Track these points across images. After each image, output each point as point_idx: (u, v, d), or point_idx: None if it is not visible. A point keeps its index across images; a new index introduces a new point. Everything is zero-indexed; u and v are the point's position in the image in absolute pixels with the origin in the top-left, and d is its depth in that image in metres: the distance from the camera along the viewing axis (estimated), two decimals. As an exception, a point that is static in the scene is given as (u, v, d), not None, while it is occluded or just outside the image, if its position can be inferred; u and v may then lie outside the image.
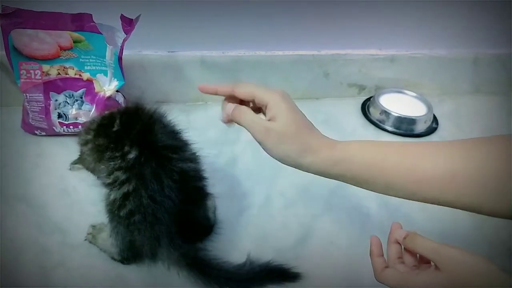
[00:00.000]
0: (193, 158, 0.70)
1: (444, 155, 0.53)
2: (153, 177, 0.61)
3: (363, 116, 1.16)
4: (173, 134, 0.70)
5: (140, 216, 0.61)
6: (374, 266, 0.54)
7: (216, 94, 0.62)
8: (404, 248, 0.53)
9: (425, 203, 0.56)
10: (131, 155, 0.61)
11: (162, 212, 0.61)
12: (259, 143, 0.57)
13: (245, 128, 0.58)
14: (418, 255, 0.52)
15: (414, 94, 1.18)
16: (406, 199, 0.57)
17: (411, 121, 1.10)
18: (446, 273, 0.47)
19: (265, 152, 0.58)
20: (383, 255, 0.55)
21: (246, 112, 0.58)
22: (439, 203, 0.55)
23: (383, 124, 1.12)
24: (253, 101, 0.59)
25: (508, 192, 0.48)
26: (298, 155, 0.56)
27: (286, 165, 0.58)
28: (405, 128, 1.10)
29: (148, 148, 0.62)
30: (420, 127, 1.12)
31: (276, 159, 0.57)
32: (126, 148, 0.62)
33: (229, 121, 0.60)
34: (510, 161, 0.48)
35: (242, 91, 0.59)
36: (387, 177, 0.55)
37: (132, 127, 0.64)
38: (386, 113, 1.11)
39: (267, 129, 0.55)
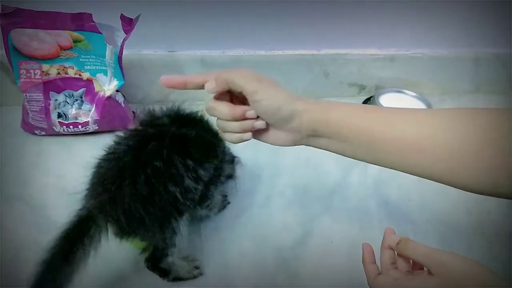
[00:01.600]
0: None
1: (427, 124, 0.53)
2: None
3: (363, 115, 1.16)
4: None
5: None
6: (367, 273, 0.54)
7: (185, 88, 0.61)
8: (397, 254, 0.53)
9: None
10: None
11: None
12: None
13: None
14: (411, 260, 0.52)
15: (414, 94, 1.18)
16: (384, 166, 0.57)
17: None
18: (439, 278, 0.47)
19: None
20: (375, 262, 0.55)
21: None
22: (414, 173, 0.55)
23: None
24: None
25: (480, 168, 0.49)
26: (290, 119, 0.58)
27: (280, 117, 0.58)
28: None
29: None
30: (420, 127, 1.11)
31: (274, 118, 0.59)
32: None
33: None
34: (487, 136, 0.48)
35: (219, 82, 0.58)
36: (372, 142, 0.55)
37: None
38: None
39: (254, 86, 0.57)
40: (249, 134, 0.60)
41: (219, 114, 0.60)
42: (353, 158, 0.59)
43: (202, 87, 0.60)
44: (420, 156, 0.52)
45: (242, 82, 0.56)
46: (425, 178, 0.55)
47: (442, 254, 0.48)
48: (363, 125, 0.55)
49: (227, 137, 0.62)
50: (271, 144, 0.62)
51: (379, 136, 0.54)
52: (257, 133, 0.61)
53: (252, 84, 0.56)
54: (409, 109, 0.57)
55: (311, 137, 0.59)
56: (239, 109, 0.59)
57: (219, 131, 0.63)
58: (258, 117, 0.59)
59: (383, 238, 0.55)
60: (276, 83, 0.59)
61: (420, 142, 0.52)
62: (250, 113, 0.58)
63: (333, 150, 0.60)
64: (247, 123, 0.59)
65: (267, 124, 0.60)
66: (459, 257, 0.47)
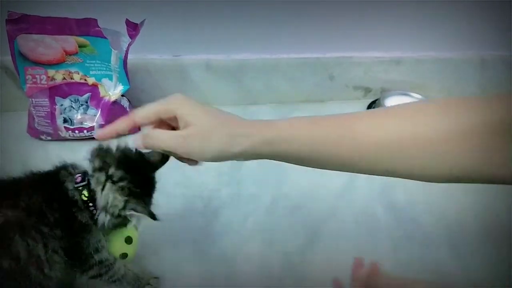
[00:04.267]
0: None
1: (392, 123, 0.50)
2: None
3: (368, 118, 1.15)
4: None
5: None
6: None
7: (117, 136, 0.54)
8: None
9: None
10: None
11: None
12: (188, 156, 0.51)
13: (166, 152, 0.53)
14: None
15: (420, 97, 1.17)
16: (352, 172, 0.54)
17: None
18: None
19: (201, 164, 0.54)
20: None
21: (157, 135, 0.52)
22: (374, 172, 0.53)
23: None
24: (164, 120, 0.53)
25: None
26: (230, 146, 0.50)
27: (223, 161, 0.52)
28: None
29: None
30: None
31: (210, 160, 0.51)
32: None
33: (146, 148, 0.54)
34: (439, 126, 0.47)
35: (143, 116, 0.53)
36: (331, 151, 0.50)
37: None
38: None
39: (186, 136, 0.50)
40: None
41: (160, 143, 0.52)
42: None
43: (133, 129, 0.55)
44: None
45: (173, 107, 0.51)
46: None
47: (410, 284, 0.49)
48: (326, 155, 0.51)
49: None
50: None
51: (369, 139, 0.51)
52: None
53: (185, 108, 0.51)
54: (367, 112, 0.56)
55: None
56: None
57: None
58: None
59: (352, 270, 0.53)
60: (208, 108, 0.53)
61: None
62: None
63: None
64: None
65: None
66: (424, 283, 0.48)
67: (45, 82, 0.90)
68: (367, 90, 1.21)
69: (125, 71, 0.93)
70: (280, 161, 0.53)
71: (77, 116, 0.94)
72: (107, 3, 0.89)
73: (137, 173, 0.59)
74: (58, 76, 0.90)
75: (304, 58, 1.10)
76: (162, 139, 0.51)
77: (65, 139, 0.96)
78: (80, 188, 0.58)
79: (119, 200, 0.57)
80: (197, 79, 1.07)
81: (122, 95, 0.96)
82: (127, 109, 0.98)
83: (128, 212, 0.57)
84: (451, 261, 0.79)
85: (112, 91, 0.94)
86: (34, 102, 0.91)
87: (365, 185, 0.93)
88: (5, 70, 0.95)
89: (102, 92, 0.94)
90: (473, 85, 1.25)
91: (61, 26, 0.85)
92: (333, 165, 0.52)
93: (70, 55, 0.89)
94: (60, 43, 0.87)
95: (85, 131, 0.95)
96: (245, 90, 1.12)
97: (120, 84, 0.94)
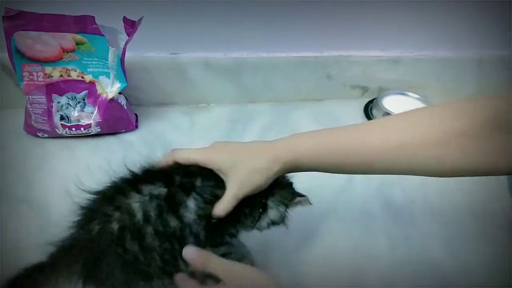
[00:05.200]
0: None
1: (393, 129, 0.58)
2: None
3: (366, 118, 1.16)
4: None
5: None
6: None
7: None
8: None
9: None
10: None
11: None
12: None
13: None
14: None
15: (418, 96, 1.17)
16: (363, 174, 0.62)
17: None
18: (230, 286, 0.51)
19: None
20: None
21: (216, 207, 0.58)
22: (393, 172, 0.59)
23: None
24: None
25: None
26: (265, 183, 0.59)
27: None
28: (408, 130, 1.10)
29: None
30: (424, 129, 1.11)
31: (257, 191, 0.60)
32: None
33: None
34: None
35: (184, 158, 0.60)
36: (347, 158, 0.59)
37: None
38: (389, 115, 1.11)
39: (234, 195, 0.58)
40: None
41: None
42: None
43: None
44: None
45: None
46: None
47: (233, 264, 0.53)
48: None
49: None
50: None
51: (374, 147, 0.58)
52: None
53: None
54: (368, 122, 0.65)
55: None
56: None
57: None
58: None
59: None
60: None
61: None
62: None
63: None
64: None
65: None
66: (248, 267, 0.53)
67: (42, 79, 0.89)
68: (365, 89, 1.21)
69: (123, 69, 0.93)
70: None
71: (74, 114, 0.94)
72: (104, 1, 0.89)
73: None
74: (55, 73, 0.90)
75: (302, 57, 1.10)
76: (221, 207, 0.58)
77: (62, 137, 0.96)
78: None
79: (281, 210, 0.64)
80: (195, 77, 1.07)
81: (120, 93, 0.96)
82: (125, 106, 0.98)
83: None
84: (448, 261, 0.79)
85: (110, 88, 0.94)
86: (31, 99, 0.91)
87: (363, 184, 0.92)
88: (2, 67, 0.95)
89: (99, 89, 0.93)
90: (471, 84, 1.25)
91: (58, 23, 0.85)
92: (354, 172, 0.62)
93: (67, 52, 0.89)
94: (57, 40, 0.87)
95: (82, 129, 0.95)
96: (243, 88, 1.12)
97: (118, 81, 0.94)
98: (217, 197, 0.59)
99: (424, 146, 0.55)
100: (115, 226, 0.54)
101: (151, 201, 0.55)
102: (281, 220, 0.65)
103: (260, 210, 0.63)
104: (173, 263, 0.57)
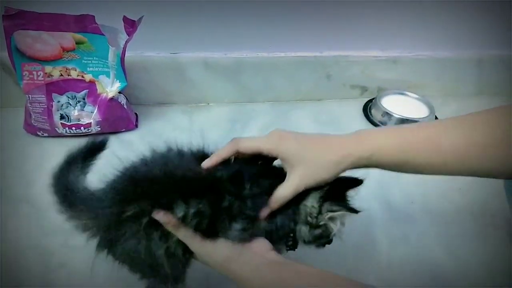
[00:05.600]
0: None
1: (461, 130, 0.56)
2: None
3: (365, 117, 1.16)
4: None
5: None
6: None
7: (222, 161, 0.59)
8: None
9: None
10: None
11: None
12: None
13: None
14: None
15: (416, 96, 1.17)
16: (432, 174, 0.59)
17: (413, 123, 1.10)
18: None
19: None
20: None
21: (276, 194, 0.56)
22: (462, 174, 0.57)
23: (385, 125, 1.11)
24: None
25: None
26: (334, 173, 0.56)
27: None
28: (407, 130, 1.10)
29: None
30: (423, 129, 1.11)
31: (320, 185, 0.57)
32: None
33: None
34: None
35: (246, 147, 0.58)
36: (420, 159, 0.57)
37: None
38: (388, 114, 1.11)
39: (299, 183, 0.55)
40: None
41: None
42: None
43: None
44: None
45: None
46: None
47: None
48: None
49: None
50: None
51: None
52: None
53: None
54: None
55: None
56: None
57: None
58: None
59: None
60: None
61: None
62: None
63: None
64: None
65: None
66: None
67: (42, 79, 0.89)
68: (364, 89, 1.21)
69: (123, 68, 0.93)
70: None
71: (74, 113, 0.94)
72: (104, 0, 0.89)
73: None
74: (55, 72, 0.90)
75: (301, 57, 1.10)
76: (281, 194, 0.55)
77: (62, 136, 0.96)
78: None
79: (314, 207, 0.58)
80: (194, 76, 1.07)
81: (120, 92, 0.96)
82: (124, 106, 0.98)
83: (326, 217, 0.58)
84: (447, 261, 0.79)
85: (110, 88, 0.94)
86: (30, 98, 0.91)
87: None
88: (2, 66, 0.95)
89: (99, 89, 0.93)
90: (470, 84, 1.26)
91: (58, 23, 0.85)
92: (420, 172, 0.58)
93: (67, 51, 0.89)
94: (57, 39, 0.87)
95: (82, 128, 0.95)
96: (243, 88, 1.12)
97: (118, 81, 0.94)
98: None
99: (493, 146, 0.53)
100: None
101: (194, 217, 0.52)
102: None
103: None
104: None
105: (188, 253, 0.55)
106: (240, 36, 1.04)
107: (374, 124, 1.13)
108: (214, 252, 0.53)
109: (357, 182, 0.61)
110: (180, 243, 0.53)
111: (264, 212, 0.56)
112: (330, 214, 0.58)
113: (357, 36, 1.10)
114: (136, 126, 1.03)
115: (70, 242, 0.74)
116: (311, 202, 0.58)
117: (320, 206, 0.58)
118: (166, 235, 0.53)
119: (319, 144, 0.57)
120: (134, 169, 0.56)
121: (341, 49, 1.12)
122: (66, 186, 0.58)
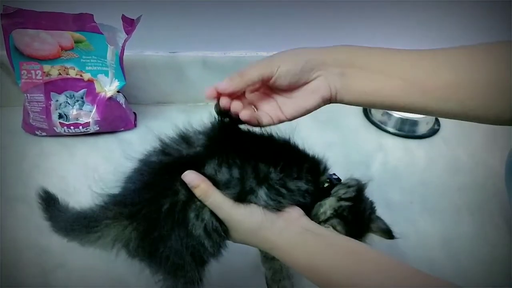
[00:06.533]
0: None
1: (448, 66, 0.57)
2: None
3: (364, 117, 1.16)
4: None
5: None
6: None
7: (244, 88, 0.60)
8: None
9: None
10: None
11: None
12: None
13: None
14: None
15: (416, 96, 1.17)
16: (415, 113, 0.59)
17: (413, 122, 1.10)
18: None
19: None
20: None
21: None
22: (443, 114, 0.58)
23: (385, 125, 1.11)
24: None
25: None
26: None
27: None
28: (407, 129, 1.10)
29: None
30: (422, 129, 1.11)
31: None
32: None
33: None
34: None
35: (253, 77, 0.59)
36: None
37: None
38: (387, 114, 1.11)
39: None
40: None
41: None
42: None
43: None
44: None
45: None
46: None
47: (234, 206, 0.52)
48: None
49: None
50: (297, 114, 0.62)
51: None
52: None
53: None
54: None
55: (342, 78, 0.61)
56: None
57: None
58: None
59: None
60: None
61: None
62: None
63: (370, 91, 0.62)
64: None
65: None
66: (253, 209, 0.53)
67: (41, 78, 0.89)
68: (364, 89, 1.21)
69: (121, 67, 0.92)
70: (359, 91, 0.63)
71: (73, 112, 0.93)
72: (103, -1, 0.89)
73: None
74: (54, 71, 0.90)
75: (301, 56, 1.09)
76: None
77: (60, 135, 0.95)
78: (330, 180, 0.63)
79: (325, 214, 0.59)
80: (193, 76, 1.07)
81: (118, 91, 0.96)
82: (123, 105, 0.98)
83: (325, 226, 0.59)
84: (447, 261, 0.79)
85: (108, 87, 0.93)
86: (29, 98, 0.90)
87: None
88: (0, 65, 0.95)
89: (98, 88, 0.93)
90: (469, 84, 1.25)
91: (56, 21, 0.84)
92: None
93: (65, 50, 0.88)
94: (55, 38, 0.86)
95: (80, 127, 0.94)
96: (242, 87, 1.12)
97: (116, 80, 0.94)
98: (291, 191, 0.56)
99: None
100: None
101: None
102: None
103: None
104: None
105: (225, 226, 0.54)
106: (239, 35, 1.04)
107: (374, 124, 1.13)
108: (246, 218, 0.53)
109: (389, 234, 0.65)
110: (214, 215, 0.53)
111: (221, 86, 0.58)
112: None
113: (356, 35, 1.10)
114: (135, 125, 1.03)
115: (68, 242, 0.74)
116: (325, 208, 0.60)
117: (332, 218, 0.59)
118: (198, 214, 0.52)
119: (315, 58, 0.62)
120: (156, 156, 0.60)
121: (340, 48, 1.11)
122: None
